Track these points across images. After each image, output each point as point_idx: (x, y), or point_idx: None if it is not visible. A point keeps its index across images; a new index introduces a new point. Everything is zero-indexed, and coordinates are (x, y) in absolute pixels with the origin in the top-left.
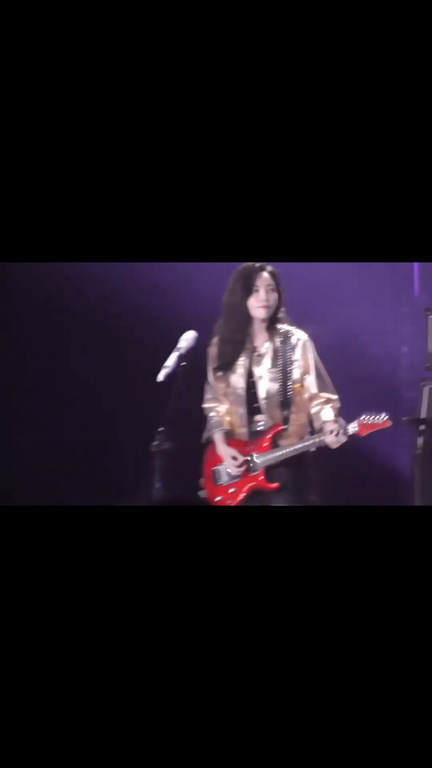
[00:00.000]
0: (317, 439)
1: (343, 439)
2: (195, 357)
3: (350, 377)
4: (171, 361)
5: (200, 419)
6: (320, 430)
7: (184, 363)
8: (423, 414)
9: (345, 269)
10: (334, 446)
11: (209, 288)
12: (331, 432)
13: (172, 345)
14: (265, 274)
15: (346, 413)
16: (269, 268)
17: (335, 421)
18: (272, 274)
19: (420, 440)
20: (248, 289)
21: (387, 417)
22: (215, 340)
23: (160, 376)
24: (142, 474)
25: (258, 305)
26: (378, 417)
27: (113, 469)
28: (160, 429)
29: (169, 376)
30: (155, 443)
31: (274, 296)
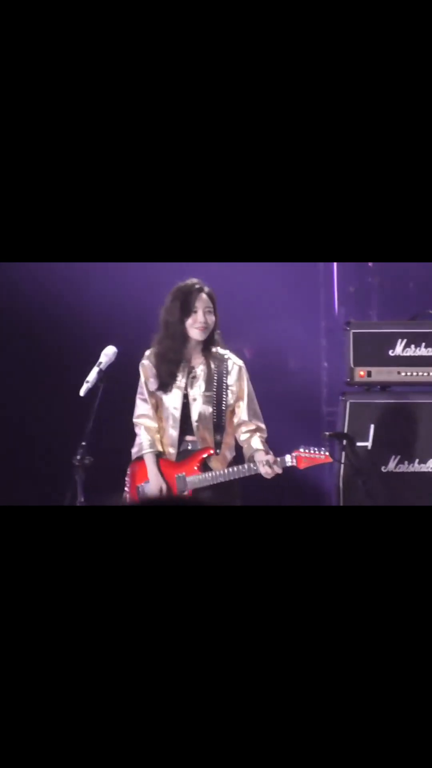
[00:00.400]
0: (251, 468)
1: (278, 470)
2: (116, 372)
3: (271, 392)
4: (92, 376)
5: (121, 434)
6: (251, 458)
7: (105, 377)
8: (345, 428)
9: (265, 284)
10: (268, 477)
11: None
12: (265, 463)
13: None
14: (204, 296)
15: (269, 430)
16: (207, 289)
17: (266, 452)
18: (210, 295)
19: (343, 455)
20: (187, 309)
21: (327, 453)
22: (149, 354)
23: (81, 391)
24: (67, 487)
25: (195, 326)
26: (318, 451)
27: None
28: (81, 443)
29: (89, 391)
30: (77, 457)
31: (212, 318)
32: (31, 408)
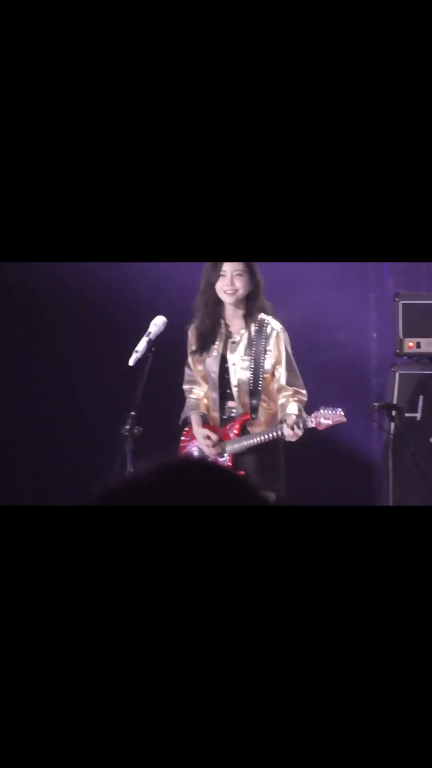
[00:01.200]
0: (277, 431)
1: (299, 432)
2: (165, 342)
3: (320, 364)
4: (141, 346)
5: (170, 404)
6: (281, 422)
7: (154, 348)
8: (394, 399)
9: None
10: (292, 439)
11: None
12: (291, 425)
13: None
14: None
15: (317, 401)
16: None
17: (298, 415)
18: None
19: (392, 426)
20: (216, 272)
21: (342, 412)
22: (194, 320)
23: (131, 361)
24: (116, 457)
25: (223, 289)
26: (334, 412)
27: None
28: (131, 413)
29: (139, 361)
30: (126, 427)
31: (243, 281)
32: (80, 378)
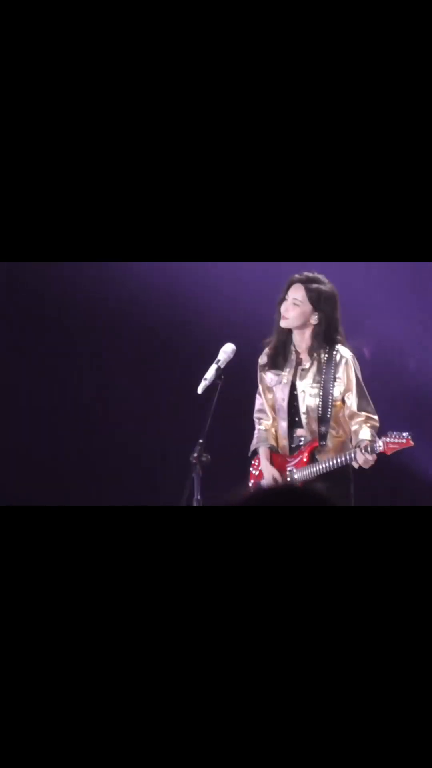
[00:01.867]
0: (350, 457)
1: (371, 459)
2: (233, 370)
3: (390, 392)
4: (210, 373)
5: (239, 432)
6: (356, 447)
7: (223, 376)
8: None
9: (386, 284)
10: (365, 465)
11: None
12: (363, 450)
13: (210, 355)
14: (301, 287)
15: (386, 428)
16: (313, 285)
17: (372, 441)
18: (310, 290)
19: None
20: (282, 295)
21: (409, 436)
22: (266, 348)
23: (200, 389)
24: (184, 484)
25: (282, 315)
26: (401, 436)
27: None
28: (199, 441)
29: (207, 389)
30: (194, 455)
31: (297, 311)
32: (150, 405)
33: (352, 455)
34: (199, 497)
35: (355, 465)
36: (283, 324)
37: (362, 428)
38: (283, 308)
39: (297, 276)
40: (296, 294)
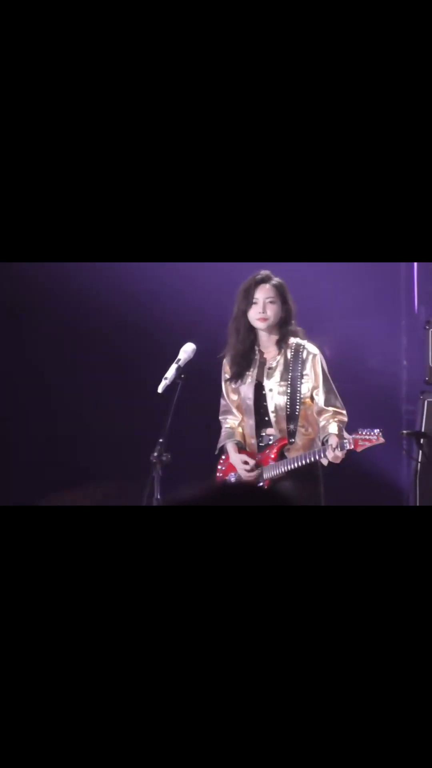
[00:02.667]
0: (317, 453)
1: (341, 455)
2: (194, 369)
3: (350, 390)
4: (170, 372)
5: (199, 431)
6: (323, 443)
7: (183, 375)
8: (422, 427)
9: (345, 283)
10: (334, 461)
11: (210, 294)
12: (334, 447)
13: (171, 351)
14: (267, 286)
15: (349, 429)
16: (274, 280)
17: (338, 437)
18: (276, 286)
19: (420, 454)
20: (248, 300)
21: (380, 432)
22: (226, 350)
23: (160, 388)
24: (145, 483)
25: (256, 317)
26: (372, 433)
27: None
28: (159, 440)
29: (168, 388)
30: (154, 454)
31: (275, 309)
32: (109, 405)
33: (321, 452)
34: (158, 496)
35: (324, 462)
36: (261, 326)
37: (330, 423)
38: (256, 311)
39: (256, 278)
40: (267, 294)
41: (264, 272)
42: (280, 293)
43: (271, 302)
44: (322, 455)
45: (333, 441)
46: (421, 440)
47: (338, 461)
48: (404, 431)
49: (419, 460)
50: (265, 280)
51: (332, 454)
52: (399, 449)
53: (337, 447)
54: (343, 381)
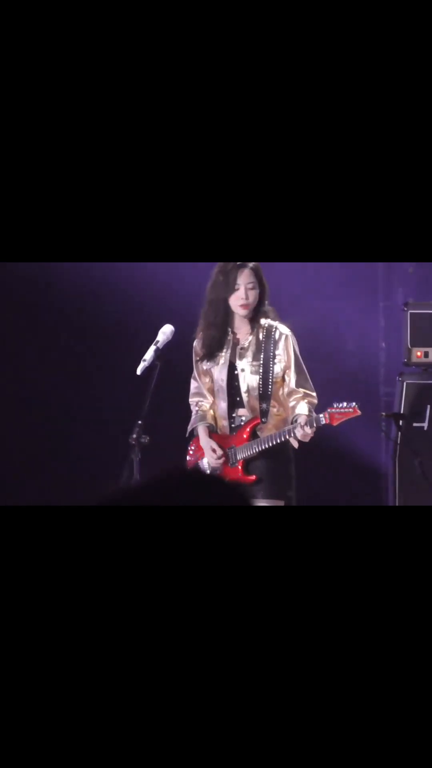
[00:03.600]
0: (289, 432)
1: (309, 432)
2: (173, 350)
3: (329, 372)
4: (149, 354)
5: (179, 412)
6: (293, 422)
7: (162, 356)
8: (401, 409)
9: (324, 265)
10: (304, 439)
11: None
12: (303, 425)
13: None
14: (247, 271)
15: (324, 408)
16: (251, 264)
17: (308, 415)
18: (254, 270)
19: (399, 435)
20: (229, 286)
21: (356, 405)
22: (198, 332)
23: (138, 370)
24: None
25: (238, 303)
26: (348, 406)
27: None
28: (138, 422)
29: (146, 370)
30: (133, 436)
31: (255, 293)
32: (88, 386)
33: (292, 431)
34: (138, 478)
35: (294, 443)
36: (243, 313)
37: (299, 404)
38: (238, 298)
39: (234, 264)
40: (248, 279)
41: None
42: (258, 277)
43: (252, 288)
44: (292, 434)
45: (302, 419)
46: (400, 422)
47: (307, 439)
48: (383, 413)
49: (398, 441)
50: (244, 264)
51: (301, 432)
52: (378, 431)
53: (306, 424)
54: (321, 363)
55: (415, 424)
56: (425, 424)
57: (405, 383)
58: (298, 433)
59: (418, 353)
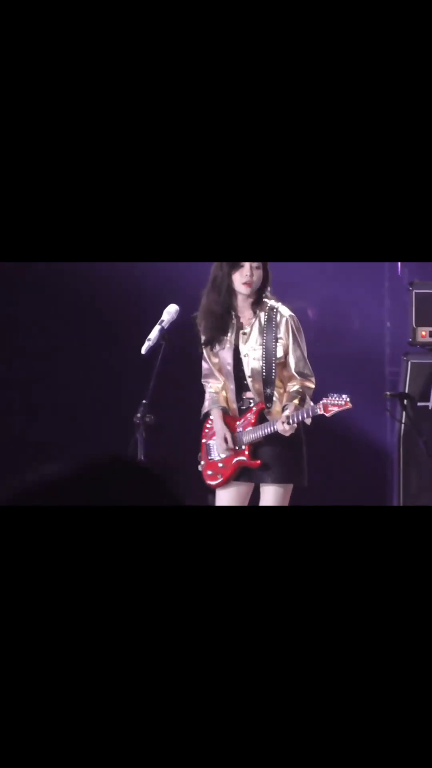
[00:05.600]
0: (272, 426)
1: (288, 429)
2: (178, 330)
3: (334, 352)
4: (154, 334)
5: (183, 392)
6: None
7: (167, 336)
8: (406, 388)
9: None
10: (285, 434)
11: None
12: (283, 421)
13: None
14: None
15: (330, 390)
16: None
17: (296, 408)
18: None
19: (404, 415)
20: (234, 264)
21: (348, 398)
22: (200, 311)
23: (143, 350)
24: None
25: (242, 281)
26: (340, 399)
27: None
28: (143, 401)
29: (151, 349)
30: (138, 415)
31: (259, 273)
32: (93, 366)
33: (272, 427)
34: (142, 457)
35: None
36: (246, 291)
37: (291, 395)
38: (241, 276)
39: None
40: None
41: None
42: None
43: (257, 267)
44: (270, 426)
45: (283, 416)
46: (405, 401)
47: (286, 434)
48: (388, 393)
49: (403, 421)
50: None
51: (281, 427)
52: (383, 411)
53: (285, 421)
54: (326, 343)
55: (420, 404)
56: (430, 404)
57: (410, 363)
58: (278, 428)
59: (423, 333)
